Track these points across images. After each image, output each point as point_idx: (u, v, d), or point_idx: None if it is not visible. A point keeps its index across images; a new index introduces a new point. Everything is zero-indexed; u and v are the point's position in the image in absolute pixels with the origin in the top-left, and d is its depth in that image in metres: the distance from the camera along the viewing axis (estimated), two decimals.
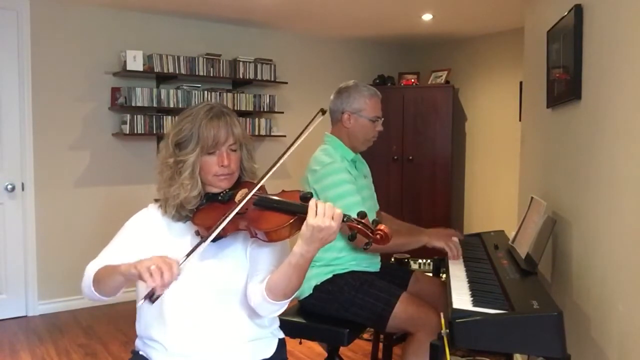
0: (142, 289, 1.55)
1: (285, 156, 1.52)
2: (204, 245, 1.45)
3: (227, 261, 1.58)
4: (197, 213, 1.60)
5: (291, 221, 1.45)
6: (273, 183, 1.66)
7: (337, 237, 2.28)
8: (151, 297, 1.33)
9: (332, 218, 1.40)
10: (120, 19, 4.52)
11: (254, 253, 1.61)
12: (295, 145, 1.52)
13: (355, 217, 1.45)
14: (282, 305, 1.54)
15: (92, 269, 1.57)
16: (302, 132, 1.54)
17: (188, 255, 1.41)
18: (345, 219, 1.44)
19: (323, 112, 1.59)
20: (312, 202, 1.42)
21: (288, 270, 1.46)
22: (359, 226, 1.44)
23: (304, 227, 1.42)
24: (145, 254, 1.60)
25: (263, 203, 1.53)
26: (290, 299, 1.54)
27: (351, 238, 1.43)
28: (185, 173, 1.58)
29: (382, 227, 1.43)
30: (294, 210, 1.47)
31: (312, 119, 1.56)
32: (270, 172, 1.52)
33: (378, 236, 1.43)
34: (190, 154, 1.58)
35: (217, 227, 1.47)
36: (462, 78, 5.69)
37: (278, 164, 1.51)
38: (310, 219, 1.40)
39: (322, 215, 1.40)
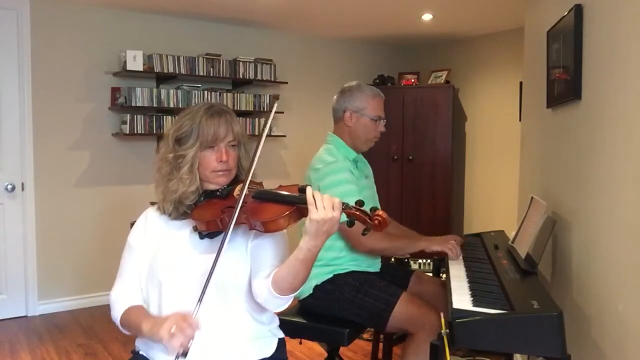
0: (149, 295, 1.64)
1: (261, 144, 1.55)
2: (225, 242, 1.48)
3: (228, 255, 1.58)
4: (195, 209, 1.62)
5: (289, 212, 1.47)
6: (272, 183, 1.67)
7: (338, 237, 2.32)
8: (184, 354, 1.40)
9: (333, 208, 1.42)
10: (120, 19, 4.52)
11: (255, 249, 1.62)
12: (265, 133, 1.56)
13: (353, 204, 1.48)
14: (289, 299, 1.56)
15: (118, 304, 1.64)
16: (265, 123, 1.58)
17: (200, 299, 1.45)
18: (343, 207, 1.46)
19: (276, 98, 1.65)
20: (309, 195, 1.44)
21: (296, 265, 1.48)
22: (357, 213, 1.46)
23: (307, 223, 1.43)
24: (151, 256, 1.62)
25: (262, 195, 1.56)
26: (297, 292, 1.55)
27: (349, 224, 1.47)
28: (185, 168, 1.60)
29: (379, 212, 1.46)
30: (293, 201, 1.49)
31: (271, 109, 1.62)
32: (256, 158, 1.55)
33: (376, 221, 1.45)
34: (190, 149, 1.60)
35: (230, 223, 1.48)
36: (462, 78, 5.69)
37: (258, 152, 1.54)
38: (313, 214, 1.42)
39: (322, 208, 1.42)
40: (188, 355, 1.40)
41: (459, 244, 2.40)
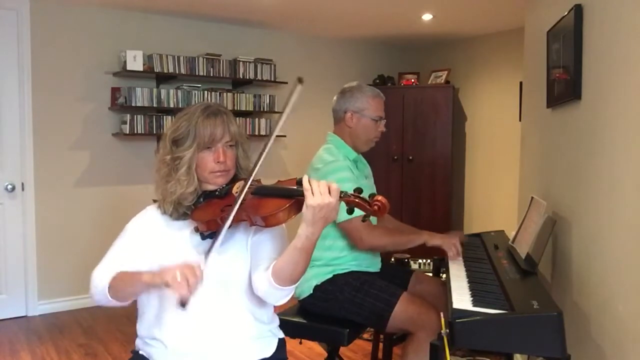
0: (150, 295, 1.60)
1: (274, 135, 1.51)
2: (220, 236, 1.47)
3: (228, 253, 1.59)
4: (195, 210, 1.62)
5: (288, 205, 1.48)
6: (272, 183, 1.67)
7: (338, 236, 2.32)
8: (183, 304, 1.36)
9: (330, 194, 1.42)
10: (120, 19, 4.52)
11: (254, 244, 1.63)
12: (282, 121, 1.51)
13: (352, 192, 1.48)
14: (290, 291, 1.55)
15: (100, 276, 1.58)
16: (286, 105, 1.52)
17: (207, 254, 1.45)
18: (342, 195, 1.46)
19: (300, 80, 1.56)
20: (305, 183, 1.44)
21: (294, 254, 1.48)
22: (356, 200, 1.47)
23: (304, 209, 1.43)
24: (147, 253, 1.62)
25: (261, 191, 1.56)
26: (296, 284, 1.55)
27: (349, 212, 1.47)
28: (182, 169, 1.60)
29: (378, 197, 1.46)
30: (291, 194, 1.50)
31: (293, 91, 1.55)
32: (262, 157, 1.52)
33: (376, 207, 1.45)
34: (187, 150, 1.60)
35: (228, 218, 1.48)
36: (462, 78, 5.69)
37: (268, 146, 1.51)
38: (309, 200, 1.42)
39: (319, 193, 1.42)
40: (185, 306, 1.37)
41: (460, 239, 2.38)
